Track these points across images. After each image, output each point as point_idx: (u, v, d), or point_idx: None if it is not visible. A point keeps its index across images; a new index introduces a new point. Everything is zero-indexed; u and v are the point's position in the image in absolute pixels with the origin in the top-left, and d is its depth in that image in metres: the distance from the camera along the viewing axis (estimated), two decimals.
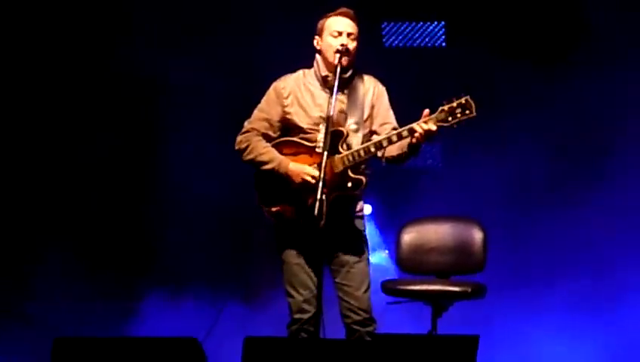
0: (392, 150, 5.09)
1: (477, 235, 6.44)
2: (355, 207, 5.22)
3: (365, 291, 5.18)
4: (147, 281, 7.75)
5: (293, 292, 5.17)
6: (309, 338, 5.06)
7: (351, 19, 5.14)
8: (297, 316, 5.14)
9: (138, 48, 7.66)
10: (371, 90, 5.21)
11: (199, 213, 7.75)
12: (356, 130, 5.13)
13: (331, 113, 4.97)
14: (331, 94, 5.02)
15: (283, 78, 5.27)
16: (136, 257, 7.85)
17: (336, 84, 5.01)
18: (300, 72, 5.27)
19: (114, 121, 7.84)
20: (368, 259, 5.25)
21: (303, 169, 5.05)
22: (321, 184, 4.83)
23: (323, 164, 4.88)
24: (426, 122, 4.87)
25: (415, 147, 4.98)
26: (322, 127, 5.08)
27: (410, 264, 6.49)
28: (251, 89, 5.55)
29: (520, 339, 7.16)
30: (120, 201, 7.92)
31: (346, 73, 5.13)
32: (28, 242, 7.76)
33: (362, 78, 5.23)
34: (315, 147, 5.09)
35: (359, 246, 5.20)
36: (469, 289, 6.13)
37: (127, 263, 7.81)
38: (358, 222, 5.23)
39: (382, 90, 5.26)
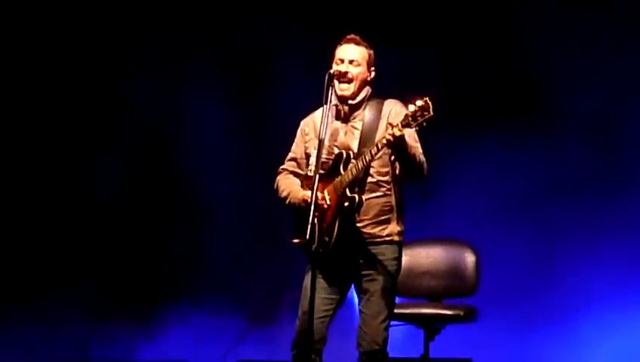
0: (399, 164, 5.08)
1: (469, 258, 6.45)
2: (383, 231, 5.13)
3: (382, 322, 5.09)
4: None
5: (300, 313, 5.14)
6: None
7: (356, 44, 5.16)
8: (299, 340, 5.10)
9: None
10: (389, 111, 5.17)
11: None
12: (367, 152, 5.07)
13: (322, 136, 4.95)
14: (343, 122, 5.14)
15: (308, 116, 5.35)
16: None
17: (327, 111, 5.00)
18: (325, 106, 5.22)
19: (132, 142, 7.86)
20: (392, 289, 5.16)
21: (305, 194, 5.05)
22: (312, 207, 4.80)
23: (314, 187, 4.85)
24: (391, 129, 4.86)
25: (399, 155, 4.94)
26: (314, 151, 5.08)
27: (403, 287, 6.45)
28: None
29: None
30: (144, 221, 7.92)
31: (353, 100, 5.15)
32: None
33: (382, 103, 5.21)
34: (324, 174, 5.05)
35: (384, 275, 5.12)
36: (462, 313, 6.13)
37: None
38: (385, 248, 5.14)
39: (401, 109, 5.15)
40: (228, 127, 7.81)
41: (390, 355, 5.20)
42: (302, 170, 5.29)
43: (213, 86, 7.80)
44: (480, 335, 6.96)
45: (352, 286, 5.18)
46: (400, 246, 5.19)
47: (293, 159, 5.34)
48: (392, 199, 5.13)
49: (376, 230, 5.11)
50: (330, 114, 5.14)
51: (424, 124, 4.81)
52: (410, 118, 4.82)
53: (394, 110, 5.16)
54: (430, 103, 4.80)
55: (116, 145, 7.84)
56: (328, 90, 5.06)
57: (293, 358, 5.13)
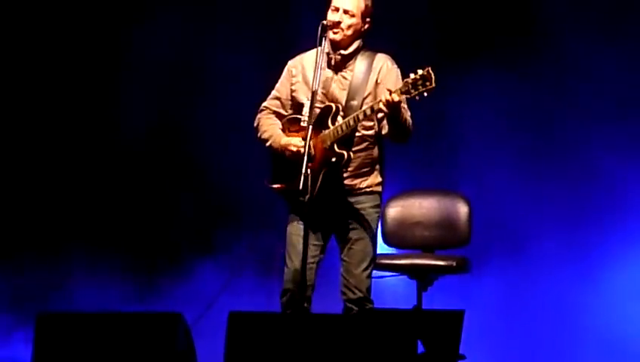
0: (388, 125, 5.09)
1: (462, 209, 6.44)
2: (363, 182, 5.19)
3: (364, 270, 5.16)
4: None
5: (288, 262, 5.19)
6: (295, 312, 5.05)
7: None
8: (288, 286, 5.15)
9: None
10: (379, 67, 5.19)
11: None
12: (353, 106, 5.10)
13: (315, 87, 4.97)
14: (334, 72, 5.15)
15: (297, 57, 5.34)
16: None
17: (319, 60, 5.00)
18: (314, 50, 5.21)
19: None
20: (374, 238, 5.23)
21: (290, 141, 5.09)
22: (305, 158, 4.84)
23: (307, 138, 4.88)
24: (390, 94, 4.89)
25: (392, 119, 4.97)
26: (307, 101, 5.09)
27: (395, 238, 6.50)
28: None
29: (506, 314, 7.15)
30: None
31: (345, 50, 5.15)
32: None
33: (373, 56, 5.22)
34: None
35: (364, 223, 5.18)
36: (454, 264, 6.14)
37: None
38: (366, 198, 5.20)
39: (392, 67, 5.21)
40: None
41: (383, 306, 5.23)
42: (285, 110, 5.30)
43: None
44: (473, 286, 6.97)
45: (333, 235, 5.23)
46: (380, 195, 5.27)
47: (277, 98, 5.33)
48: (374, 152, 5.21)
49: (356, 181, 5.18)
50: (321, 61, 5.13)
51: (425, 94, 4.86)
52: (410, 86, 4.87)
53: (385, 66, 5.19)
54: (432, 74, 4.84)
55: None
56: (321, 40, 5.05)
57: (282, 305, 5.18)
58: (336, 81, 5.16)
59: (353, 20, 5.11)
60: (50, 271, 7.49)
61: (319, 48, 5.04)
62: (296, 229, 5.16)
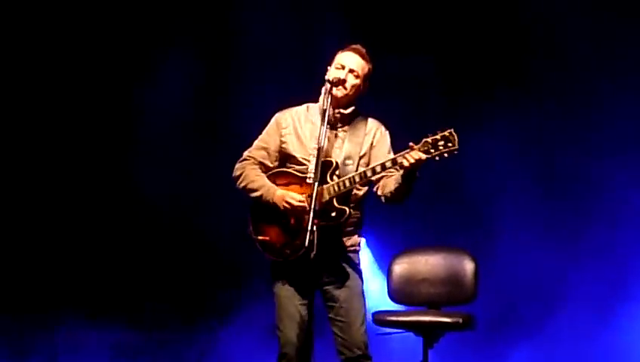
0: (390, 186, 5.08)
1: (468, 266, 6.44)
2: (348, 241, 5.19)
3: (360, 326, 5.13)
4: None
5: (281, 326, 5.13)
6: None
7: (360, 56, 5.16)
8: (285, 350, 5.10)
9: None
10: (373, 131, 5.22)
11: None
12: (350, 164, 5.11)
13: (322, 143, 4.95)
14: (329, 127, 5.08)
15: (286, 110, 5.31)
16: None
17: (326, 115, 5.00)
18: (305, 105, 5.30)
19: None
20: (363, 294, 5.20)
21: (287, 193, 5.04)
22: (312, 214, 4.78)
23: (314, 194, 4.84)
24: (409, 153, 4.87)
25: (406, 178, 4.96)
26: (312, 158, 5.05)
27: (402, 295, 6.49)
28: None
29: None
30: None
31: (345, 109, 5.16)
32: None
33: (366, 120, 5.25)
34: (306, 178, 5.08)
35: (353, 281, 5.16)
36: (460, 320, 6.12)
37: None
38: (354, 256, 5.21)
39: (385, 132, 5.26)
40: None
41: None
42: (271, 162, 5.24)
43: None
44: (479, 342, 6.95)
45: (317, 292, 5.14)
46: (359, 254, 5.27)
47: (264, 149, 5.25)
48: (360, 212, 5.20)
49: (344, 239, 5.17)
50: (315, 115, 5.20)
51: (445, 155, 4.84)
52: (430, 146, 4.84)
53: (379, 131, 5.23)
54: (455, 135, 4.82)
55: None
56: (328, 97, 5.05)
57: None
58: (331, 139, 5.13)
59: (357, 81, 5.14)
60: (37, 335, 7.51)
61: (326, 103, 5.03)
62: (284, 291, 5.11)
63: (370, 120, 5.25)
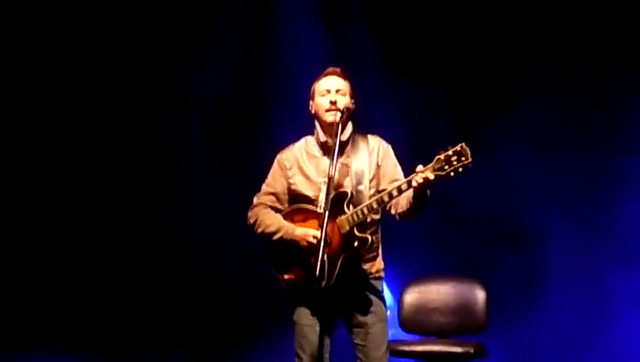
0: (402, 204, 5.01)
1: (479, 295, 6.43)
2: (372, 267, 5.13)
3: (384, 353, 5.10)
4: None
5: (301, 353, 5.08)
6: None
7: (338, 76, 5.11)
8: None
9: None
10: (376, 149, 5.15)
11: None
12: (363, 190, 5.04)
13: (332, 173, 4.86)
14: (332, 157, 4.95)
15: (286, 149, 5.24)
16: None
17: (337, 145, 4.92)
18: (303, 139, 5.23)
19: None
20: (387, 320, 5.17)
21: (307, 231, 4.98)
22: (322, 244, 4.71)
23: (324, 225, 4.75)
24: (423, 172, 4.79)
25: (420, 198, 4.89)
26: (323, 187, 5.00)
27: (413, 324, 6.48)
28: None
29: None
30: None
31: (343, 134, 5.04)
32: None
33: (366, 138, 5.17)
34: (316, 211, 5.03)
35: (378, 307, 5.11)
36: (472, 350, 6.10)
37: None
38: (376, 283, 5.14)
39: (387, 148, 5.18)
40: None
41: None
42: (281, 205, 5.18)
43: None
44: None
45: (340, 319, 5.11)
46: (382, 281, 5.20)
47: (272, 193, 5.20)
48: (378, 236, 5.12)
49: (366, 266, 5.11)
50: (314, 148, 5.15)
51: (460, 170, 4.72)
52: (443, 163, 4.75)
53: (381, 147, 5.16)
54: (467, 149, 4.71)
55: None
56: (338, 128, 4.95)
57: None
58: (339, 169, 5.00)
59: (347, 99, 5.06)
60: None
61: (333, 138, 4.93)
62: (306, 319, 5.06)
63: (369, 137, 5.18)
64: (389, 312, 5.27)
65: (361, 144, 5.15)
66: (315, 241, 4.87)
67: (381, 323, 5.11)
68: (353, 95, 5.12)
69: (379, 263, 5.17)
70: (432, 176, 4.76)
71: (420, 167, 4.82)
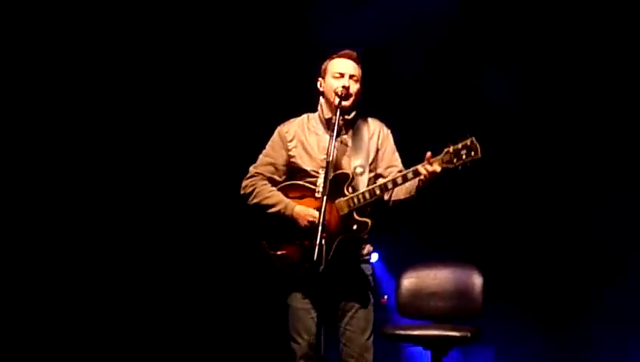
0: (400, 193, 5.03)
1: (476, 280, 6.45)
2: (362, 251, 5.16)
3: (368, 338, 5.11)
4: None
5: (297, 338, 5.09)
6: None
7: (354, 60, 5.11)
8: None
9: None
10: (377, 133, 5.16)
11: None
12: (362, 173, 5.06)
13: (331, 158, 4.85)
14: (335, 135, 4.96)
15: (287, 123, 5.23)
16: None
17: (336, 128, 4.94)
18: (305, 116, 5.25)
19: None
20: (373, 305, 5.17)
21: (309, 211, 4.97)
22: (320, 228, 4.68)
23: (322, 209, 4.73)
24: (430, 163, 4.79)
25: (422, 189, 4.92)
26: (322, 171, 5.00)
27: (410, 309, 6.50)
28: None
29: None
30: None
31: (349, 115, 5.09)
32: None
33: (367, 121, 5.19)
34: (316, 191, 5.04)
35: (365, 291, 5.13)
36: (469, 334, 6.13)
37: None
38: (364, 266, 5.16)
39: (387, 133, 5.21)
40: None
41: None
42: (279, 176, 5.17)
43: None
44: (487, 355, 6.97)
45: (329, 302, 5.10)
46: (370, 264, 5.21)
47: (271, 164, 5.18)
48: (370, 220, 5.07)
49: (359, 249, 5.13)
50: (317, 125, 5.16)
51: (468, 164, 4.72)
52: (452, 155, 4.74)
53: (381, 132, 5.19)
54: (477, 143, 4.70)
55: None
56: (339, 108, 4.98)
57: None
58: (338, 148, 5.00)
59: (358, 85, 5.10)
60: None
61: (336, 117, 4.95)
62: (300, 303, 5.07)
63: (370, 120, 5.20)
64: (386, 297, 5.30)
65: (364, 126, 5.17)
66: (315, 221, 4.82)
67: (367, 307, 5.11)
68: (361, 79, 5.11)
69: (369, 246, 5.19)
70: (439, 169, 4.76)
71: (428, 154, 4.82)
